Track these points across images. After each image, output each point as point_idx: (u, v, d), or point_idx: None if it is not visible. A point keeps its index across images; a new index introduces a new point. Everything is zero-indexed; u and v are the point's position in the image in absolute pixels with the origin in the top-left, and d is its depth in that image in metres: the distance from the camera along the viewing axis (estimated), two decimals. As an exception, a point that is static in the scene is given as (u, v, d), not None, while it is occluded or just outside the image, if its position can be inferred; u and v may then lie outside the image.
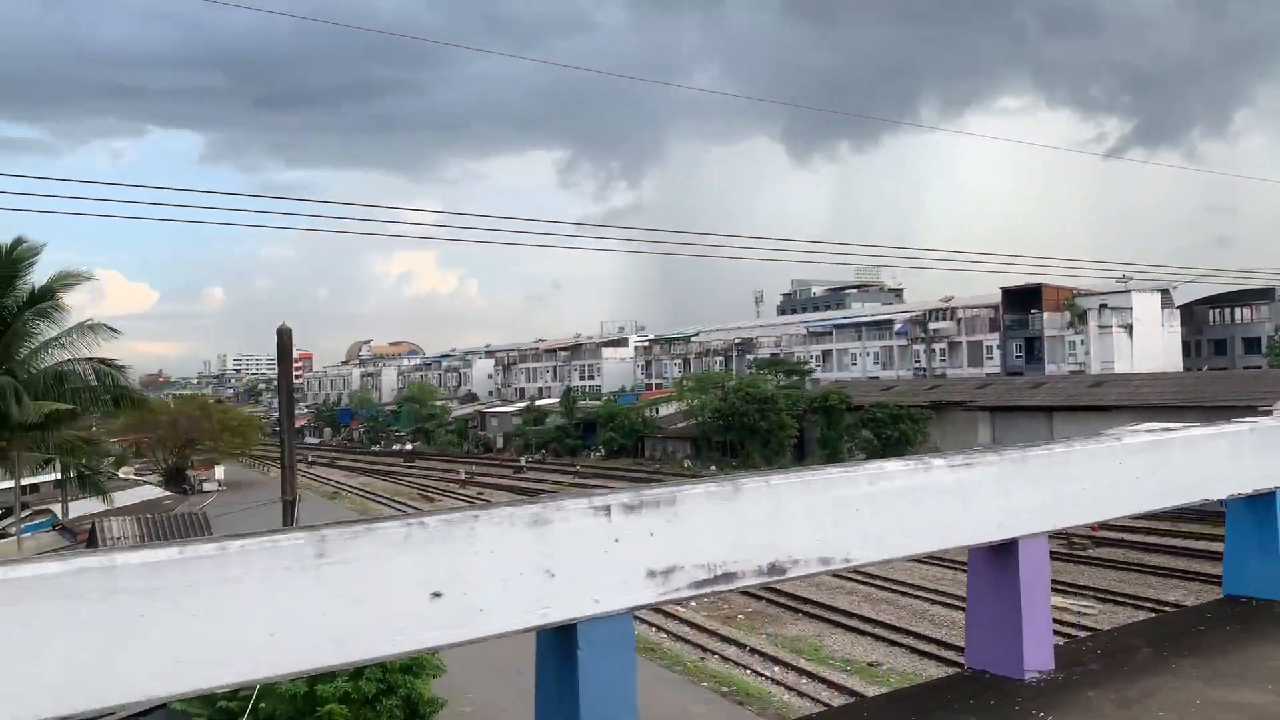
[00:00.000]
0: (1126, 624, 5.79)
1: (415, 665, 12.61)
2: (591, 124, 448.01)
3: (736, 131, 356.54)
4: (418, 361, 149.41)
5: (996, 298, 69.45)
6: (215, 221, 25.12)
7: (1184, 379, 52.83)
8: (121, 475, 56.98)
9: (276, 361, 16.62)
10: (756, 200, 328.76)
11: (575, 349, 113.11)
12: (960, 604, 20.63)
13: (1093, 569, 29.93)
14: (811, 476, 3.30)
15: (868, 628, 24.82)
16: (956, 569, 26.61)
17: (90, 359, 27.38)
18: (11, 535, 31.92)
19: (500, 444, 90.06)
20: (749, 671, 22.06)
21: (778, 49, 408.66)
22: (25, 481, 39.53)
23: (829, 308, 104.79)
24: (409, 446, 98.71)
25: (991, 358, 71.65)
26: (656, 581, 2.92)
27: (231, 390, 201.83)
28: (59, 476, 36.45)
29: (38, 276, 26.58)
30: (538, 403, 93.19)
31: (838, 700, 19.24)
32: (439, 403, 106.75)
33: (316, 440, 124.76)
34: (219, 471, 72.65)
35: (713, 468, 59.05)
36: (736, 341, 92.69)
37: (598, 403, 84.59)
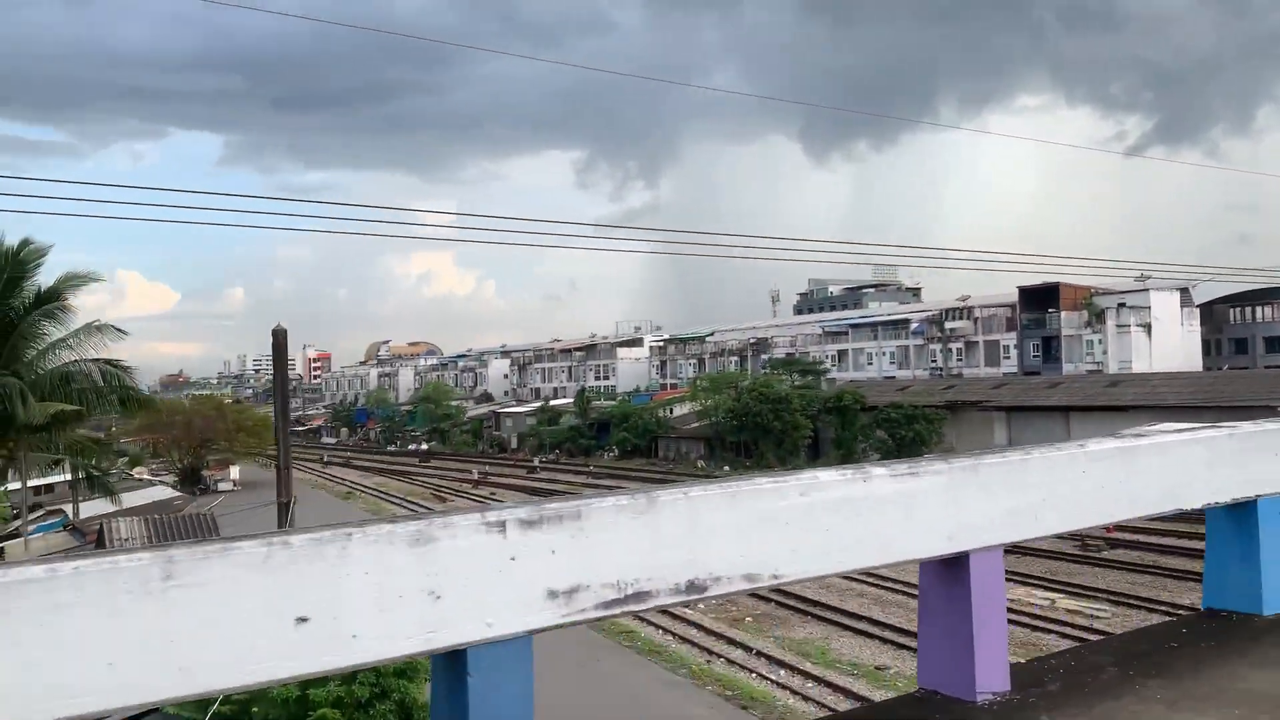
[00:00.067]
0: (1094, 641, 5.56)
1: (410, 669, 12.47)
2: (608, 124, 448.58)
3: (753, 131, 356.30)
4: (434, 361, 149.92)
5: (1013, 297, 68.95)
6: (233, 224, 25.19)
7: (1202, 378, 52.21)
8: (136, 475, 57.42)
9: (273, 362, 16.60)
10: (773, 200, 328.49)
11: (590, 349, 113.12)
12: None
13: (1107, 571, 29.59)
14: (736, 488, 3.12)
15: (876, 630, 24.58)
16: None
17: (97, 360, 27.48)
18: (21, 536, 32.12)
19: (514, 444, 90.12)
20: (754, 675, 21.90)
21: (795, 48, 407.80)
22: (39, 482, 39.87)
23: (846, 307, 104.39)
24: (424, 446, 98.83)
25: (1008, 357, 71.07)
26: (559, 602, 2.74)
27: (251, 390, 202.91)
28: (70, 477, 36.68)
29: (47, 278, 26.76)
30: (552, 403, 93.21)
31: (842, 704, 19.07)
32: (454, 403, 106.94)
33: (333, 440, 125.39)
34: (234, 471, 72.99)
35: (726, 468, 58.84)
36: (752, 341, 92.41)
37: (612, 403, 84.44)
